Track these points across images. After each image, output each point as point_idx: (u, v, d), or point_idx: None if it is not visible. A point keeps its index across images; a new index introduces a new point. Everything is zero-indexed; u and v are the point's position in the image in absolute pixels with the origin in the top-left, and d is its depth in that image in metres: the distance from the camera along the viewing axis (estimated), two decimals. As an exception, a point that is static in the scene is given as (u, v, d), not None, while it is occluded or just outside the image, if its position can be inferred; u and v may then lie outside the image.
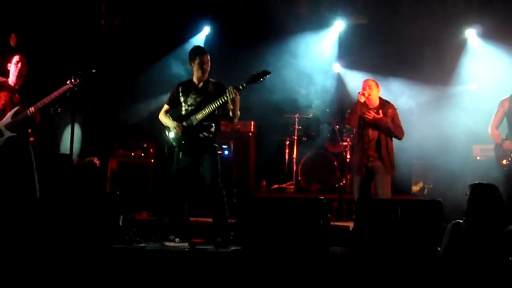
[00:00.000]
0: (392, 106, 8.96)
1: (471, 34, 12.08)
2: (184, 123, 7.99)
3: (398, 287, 6.19)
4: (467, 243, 5.86)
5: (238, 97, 7.85)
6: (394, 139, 8.92)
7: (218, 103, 7.79)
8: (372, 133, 8.82)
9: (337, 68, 13.10)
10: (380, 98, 8.98)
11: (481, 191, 6.00)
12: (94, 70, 8.19)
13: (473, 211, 5.95)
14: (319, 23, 12.48)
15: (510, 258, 6.03)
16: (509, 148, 8.31)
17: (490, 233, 5.84)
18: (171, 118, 8.15)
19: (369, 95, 8.82)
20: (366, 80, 9.05)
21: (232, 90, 7.73)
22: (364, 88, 8.87)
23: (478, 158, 10.71)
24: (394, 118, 8.86)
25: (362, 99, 8.77)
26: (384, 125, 8.71)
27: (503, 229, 5.88)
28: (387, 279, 6.26)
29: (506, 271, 5.76)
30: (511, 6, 11.28)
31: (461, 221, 6.00)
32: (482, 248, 5.82)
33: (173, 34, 12.33)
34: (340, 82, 13.07)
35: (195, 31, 12.61)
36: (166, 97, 8.39)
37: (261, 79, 7.84)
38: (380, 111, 8.78)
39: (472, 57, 11.99)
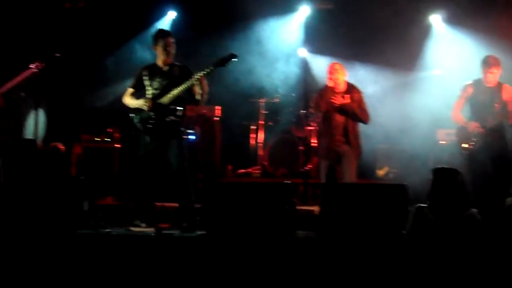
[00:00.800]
0: (358, 90, 8.97)
1: (436, 20, 12.15)
2: None
3: (363, 270, 6.23)
4: (429, 227, 5.92)
5: (205, 80, 7.83)
6: (360, 123, 8.93)
7: (184, 86, 7.75)
8: (339, 118, 8.81)
9: (303, 53, 13.12)
10: (346, 82, 8.97)
11: (443, 175, 6.08)
12: (58, 54, 8.11)
13: (435, 195, 6.02)
14: (285, 8, 12.47)
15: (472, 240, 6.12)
16: (473, 129, 8.38)
17: (452, 216, 5.91)
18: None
19: (336, 79, 8.83)
20: (332, 63, 9.06)
21: (197, 75, 7.70)
22: (330, 72, 8.89)
23: (443, 142, 10.80)
24: (360, 103, 8.88)
25: (330, 84, 8.84)
26: (350, 110, 8.72)
27: (464, 213, 5.95)
28: (353, 262, 6.30)
29: (466, 255, 5.84)
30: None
31: (424, 205, 6.06)
32: (444, 232, 5.88)
33: (138, 18, 12.22)
34: (305, 67, 13.09)
35: (160, 15, 12.52)
36: (131, 81, 8.32)
37: (228, 63, 7.80)
38: (347, 95, 8.78)
39: (437, 42, 12.06)
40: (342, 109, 8.78)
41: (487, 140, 8.32)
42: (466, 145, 8.50)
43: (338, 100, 8.70)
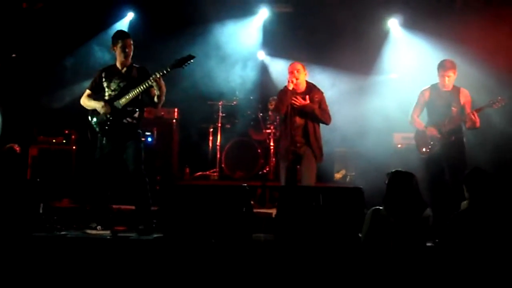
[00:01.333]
0: (319, 91, 8.83)
1: (393, 24, 12.26)
2: None
3: (320, 273, 6.27)
4: (386, 229, 5.97)
5: (163, 82, 7.81)
6: (321, 125, 8.81)
7: (141, 88, 7.72)
8: (299, 119, 8.63)
9: (262, 55, 13.14)
10: (307, 82, 8.83)
11: (398, 179, 6.13)
12: (14, 55, 8.02)
13: (390, 198, 6.07)
14: (244, 10, 12.46)
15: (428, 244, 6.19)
16: (431, 133, 8.47)
17: (407, 219, 5.97)
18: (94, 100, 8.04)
19: (297, 79, 8.62)
20: (294, 63, 8.82)
21: (155, 76, 7.67)
22: (291, 72, 8.66)
23: (399, 146, 10.91)
24: (321, 103, 8.76)
25: (291, 87, 8.57)
26: (311, 111, 8.61)
27: (420, 215, 6.02)
28: (309, 265, 6.33)
29: (423, 256, 5.90)
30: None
31: (380, 207, 6.11)
32: (401, 234, 5.94)
33: (97, 19, 12.13)
34: (264, 69, 13.12)
35: (118, 16, 12.43)
36: (89, 83, 8.25)
37: (186, 64, 7.75)
38: (307, 96, 8.65)
39: (394, 46, 12.17)
40: (303, 111, 8.61)
41: (444, 144, 8.40)
42: (424, 149, 8.57)
43: (298, 102, 8.59)
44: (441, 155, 8.42)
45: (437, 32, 11.23)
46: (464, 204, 6.49)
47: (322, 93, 8.84)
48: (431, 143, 8.47)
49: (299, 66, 8.73)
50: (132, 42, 7.99)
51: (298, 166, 8.69)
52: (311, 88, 8.79)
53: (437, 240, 6.57)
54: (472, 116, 8.24)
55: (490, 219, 6.00)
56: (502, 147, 10.60)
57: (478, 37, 10.69)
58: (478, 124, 8.31)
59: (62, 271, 6.50)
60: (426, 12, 11.59)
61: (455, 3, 11.57)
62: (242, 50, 12.51)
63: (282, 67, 12.40)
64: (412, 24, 11.90)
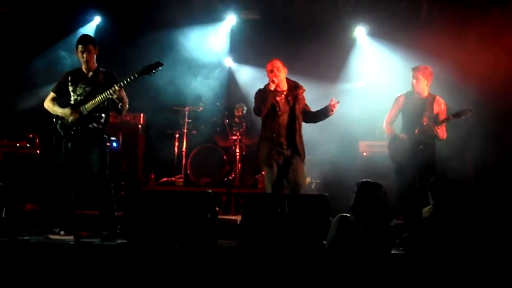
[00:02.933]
0: (301, 87, 8.38)
1: (360, 33, 12.34)
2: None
3: (284, 280, 6.26)
4: (353, 236, 6.00)
5: (124, 93, 7.78)
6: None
7: (107, 93, 7.66)
8: (283, 119, 8.18)
9: (229, 62, 13.16)
10: (287, 80, 8.37)
11: (366, 190, 6.16)
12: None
13: (358, 207, 6.10)
14: (211, 16, 12.46)
15: (392, 251, 6.22)
16: (402, 140, 8.49)
17: (374, 228, 6.00)
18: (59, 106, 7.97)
19: (278, 78, 8.15)
20: (272, 61, 8.29)
21: (114, 89, 7.62)
22: (271, 71, 8.18)
23: (364, 154, 10.98)
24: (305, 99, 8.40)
25: (273, 87, 8.09)
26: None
27: (387, 225, 6.06)
28: (274, 272, 6.32)
29: (388, 263, 5.93)
30: (399, 6, 11.57)
31: (348, 215, 6.13)
32: (367, 242, 5.97)
33: (64, 23, 12.04)
34: (231, 76, 13.15)
35: (85, 20, 12.35)
36: (54, 85, 8.17)
37: (154, 71, 7.71)
38: (289, 96, 8.23)
39: (360, 55, 12.26)
40: (290, 111, 8.18)
41: (414, 153, 8.44)
42: (395, 158, 8.60)
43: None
44: (412, 164, 8.45)
45: (403, 41, 11.35)
46: (426, 210, 6.56)
47: (304, 89, 8.42)
48: (402, 151, 8.51)
49: (278, 63, 8.26)
50: (93, 47, 7.90)
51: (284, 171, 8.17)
52: (293, 86, 8.35)
53: (401, 248, 6.60)
54: (438, 130, 8.31)
55: (454, 226, 6.06)
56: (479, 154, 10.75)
57: (444, 46, 10.81)
58: (442, 136, 8.38)
59: (24, 276, 6.42)
60: (393, 21, 11.70)
61: (420, 12, 11.67)
62: (209, 57, 12.52)
63: (249, 74, 12.49)
64: (379, 33, 12.00)
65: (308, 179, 11.51)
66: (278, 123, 8.16)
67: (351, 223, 6.10)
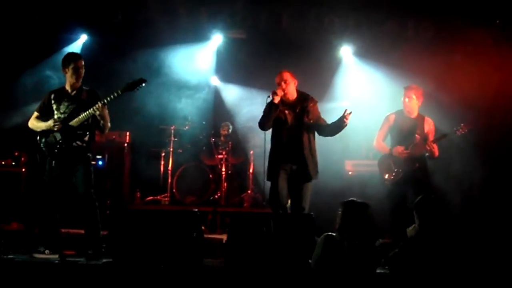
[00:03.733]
0: (312, 99, 8.17)
1: (346, 52, 12.38)
2: (57, 133, 7.81)
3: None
4: (339, 255, 5.99)
5: (106, 111, 7.76)
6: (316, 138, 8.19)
7: (91, 111, 7.65)
8: (289, 133, 7.95)
9: (215, 81, 13.17)
10: (298, 91, 8.16)
11: (353, 209, 6.16)
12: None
13: (344, 227, 6.10)
14: (198, 35, 12.46)
15: (378, 270, 6.22)
16: (397, 152, 8.50)
17: (360, 247, 6.00)
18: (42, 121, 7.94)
19: (285, 91, 7.96)
20: (281, 73, 8.11)
21: (98, 106, 7.61)
22: (279, 84, 7.99)
23: (350, 173, 10.98)
24: (317, 111, 8.16)
25: (277, 100, 7.86)
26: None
27: (373, 244, 6.06)
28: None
29: (373, 283, 5.94)
30: (385, 26, 11.63)
31: (333, 234, 6.13)
32: (353, 261, 5.97)
33: (50, 41, 12.03)
34: (217, 95, 13.16)
35: (71, 39, 12.34)
36: (38, 105, 8.15)
37: (137, 88, 7.73)
38: (298, 108, 8.01)
39: (346, 74, 12.30)
40: (296, 123, 7.95)
41: (408, 172, 8.46)
42: (387, 176, 8.61)
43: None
44: (405, 182, 8.47)
45: (388, 61, 11.41)
46: (410, 229, 6.56)
47: (315, 101, 8.21)
48: (395, 170, 8.52)
49: (287, 76, 8.06)
50: (83, 64, 7.93)
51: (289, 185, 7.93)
52: (302, 98, 8.13)
53: (386, 267, 6.60)
54: (429, 147, 8.34)
55: (439, 245, 6.07)
56: (467, 173, 10.77)
57: (429, 66, 10.86)
58: (436, 154, 8.41)
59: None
60: (378, 41, 11.75)
61: (406, 32, 11.73)
62: (196, 75, 12.53)
63: (235, 93, 12.51)
64: (364, 52, 12.06)
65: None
66: (285, 135, 7.97)
67: (337, 242, 6.10)
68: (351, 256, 6.02)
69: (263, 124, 7.97)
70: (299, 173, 7.93)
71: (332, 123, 8.04)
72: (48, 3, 11.72)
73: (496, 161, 10.78)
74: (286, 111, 8.03)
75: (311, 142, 8.05)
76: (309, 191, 8.00)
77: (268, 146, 8.09)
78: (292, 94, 8.09)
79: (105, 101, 7.63)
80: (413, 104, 8.59)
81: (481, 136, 10.24)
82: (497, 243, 8.01)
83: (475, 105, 10.60)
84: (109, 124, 7.88)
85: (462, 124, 8.42)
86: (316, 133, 8.20)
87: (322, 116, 8.21)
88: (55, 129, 7.76)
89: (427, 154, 8.49)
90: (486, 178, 10.76)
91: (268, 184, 8.12)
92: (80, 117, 7.70)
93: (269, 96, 7.95)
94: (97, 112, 7.63)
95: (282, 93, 7.92)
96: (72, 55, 8.06)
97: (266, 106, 8.01)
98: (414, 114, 8.64)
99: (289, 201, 8.04)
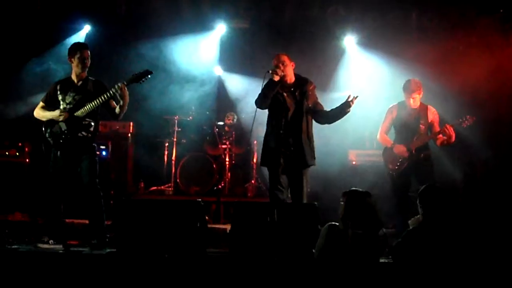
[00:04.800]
0: (312, 82, 7.94)
1: (349, 42, 12.36)
2: (63, 123, 7.81)
3: (274, 288, 6.27)
4: (342, 245, 6.00)
5: (127, 91, 7.73)
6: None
7: (103, 98, 7.64)
8: (289, 117, 7.73)
9: (218, 71, 13.16)
10: (296, 75, 7.89)
11: (356, 198, 6.17)
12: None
13: (348, 216, 6.11)
14: (201, 25, 12.47)
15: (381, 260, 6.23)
16: (399, 151, 8.52)
17: (363, 236, 6.01)
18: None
19: (284, 73, 7.68)
20: (279, 55, 7.82)
21: (120, 85, 7.60)
22: (276, 66, 7.68)
23: (354, 163, 10.98)
24: (315, 97, 7.94)
25: (277, 78, 7.57)
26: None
27: (376, 233, 6.07)
28: (264, 281, 6.32)
29: (376, 272, 5.95)
30: (389, 16, 11.62)
31: (337, 223, 6.14)
32: (356, 250, 5.98)
33: (54, 32, 12.02)
34: (220, 85, 13.16)
35: (75, 29, 12.33)
36: (43, 95, 8.16)
37: (143, 79, 7.74)
38: (297, 92, 7.76)
39: (350, 64, 12.29)
40: (296, 106, 7.72)
41: (413, 162, 8.46)
42: (392, 166, 8.61)
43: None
44: (409, 172, 8.49)
45: (392, 51, 11.40)
46: (413, 220, 6.56)
47: (314, 85, 7.95)
48: (400, 160, 8.52)
49: (284, 58, 7.78)
50: (89, 54, 7.93)
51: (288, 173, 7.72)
52: (301, 81, 7.88)
53: (390, 257, 6.61)
54: (447, 130, 8.23)
55: (443, 235, 6.07)
56: (472, 163, 10.78)
57: (433, 56, 10.85)
58: (453, 139, 8.32)
59: (13, 285, 6.39)
60: (382, 31, 11.74)
61: (410, 22, 11.73)
62: (199, 65, 12.54)
63: (239, 83, 12.50)
64: (368, 42, 12.05)
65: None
66: (284, 120, 7.71)
67: (340, 231, 6.11)
68: (355, 245, 6.03)
69: (260, 102, 7.70)
70: (296, 159, 7.69)
71: (333, 109, 7.82)
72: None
73: (501, 152, 10.77)
74: (285, 94, 7.79)
75: (309, 127, 7.81)
76: (307, 177, 7.79)
77: (260, 128, 7.98)
78: (291, 77, 7.82)
79: (117, 89, 7.61)
80: (418, 100, 8.57)
81: (487, 127, 10.23)
82: (501, 233, 8.01)
83: (479, 96, 10.58)
84: (126, 108, 7.86)
85: (467, 116, 8.36)
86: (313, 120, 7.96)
87: (324, 104, 8.01)
88: (61, 119, 7.77)
89: (439, 142, 8.44)
90: (487, 168, 10.76)
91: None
92: (86, 107, 7.70)
93: (268, 71, 7.63)
94: (119, 92, 7.61)
95: (282, 74, 7.66)
96: (78, 44, 8.06)
97: (264, 84, 7.70)
98: (417, 104, 8.61)
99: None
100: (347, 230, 6.07)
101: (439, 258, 5.96)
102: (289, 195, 7.77)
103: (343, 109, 7.67)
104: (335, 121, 7.93)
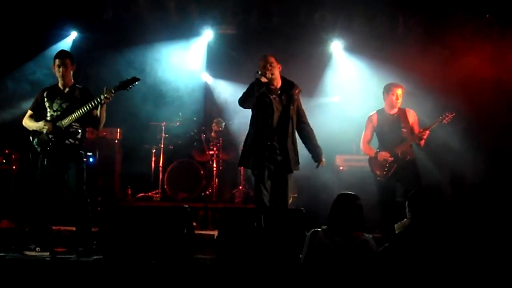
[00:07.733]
0: (298, 86, 7.81)
1: (336, 47, 12.39)
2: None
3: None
4: (324, 251, 6.00)
5: (105, 108, 7.75)
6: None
7: (84, 109, 7.63)
8: (274, 121, 7.61)
9: (206, 77, 13.16)
10: (282, 78, 7.78)
11: (343, 200, 6.17)
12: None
13: (333, 218, 6.11)
14: (189, 31, 12.48)
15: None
16: (383, 158, 8.55)
17: (346, 241, 6.01)
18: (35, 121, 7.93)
19: (272, 74, 7.56)
20: (266, 56, 7.71)
21: (108, 90, 7.58)
22: (264, 67, 7.56)
23: (341, 168, 10.99)
24: (300, 103, 7.87)
25: (265, 80, 7.43)
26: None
27: (359, 238, 6.07)
28: (251, 286, 6.33)
29: (360, 277, 5.95)
30: (375, 21, 11.65)
31: (319, 229, 6.14)
32: (339, 256, 5.97)
33: (40, 38, 11.99)
34: (208, 91, 13.16)
35: (62, 35, 12.30)
36: (31, 102, 8.13)
37: (131, 86, 7.72)
38: (283, 95, 7.67)
39: (336, 69, 12.32)
40: (283, 110, 7.60)
41: (400, 165, 8.51)
42: (379, 172, 8.64)
43: None
44: (397, 177, 8.57)
45: (379, 56, 11.44)
46: (399, 225, 6.57)
47: (300, 89, 7.84)
48: (387, 165, 8.57)
49: (272, 59, 7.65)
50: (69, 62, 7.87)
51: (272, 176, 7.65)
52: (288, 84, 7.78)
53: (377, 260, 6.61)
54: (422, 134, 8.43)
55: (432, 239, 6.08)
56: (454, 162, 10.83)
57: (419, 61, 10.90)
58: (422, 145, 8.52)
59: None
60: (368, 36, 11.78)
61: (396, 27, 11.76)
62: (187, 71, 12.55)
63: (226, 89, 12.50)
64: (355, 47, 12.08)
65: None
66: (270, 124, 7.59)
67: (323, 238, 6.10)
68: (339, 251, 6.02)
69: (244, 101, 7.55)
70: (281, 165, 7.64)
71: (312, 149, 7.94)
72: (38, -1, 11.71)
73: (489, 154, 10.81)
74: (272, 96, 7.67)
75: (294, 131, 7.74)
76: (291, 182, 7.80)
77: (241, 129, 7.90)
78: (277, 79, 7.72)
79: (106, 95, 7.58)
80: (400, 101, 8.64)
81: (469, 129, 10.28)
82: (492, 236, 8.03)
83: (464, 99, 10.62)
84: (103, 121, 7.86)
85: (447, 112, 8.50)
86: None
87: (311, 109, 8.14)
88: (44, 131, 7.75)
89: (422, 143, 8.54)
90: (475, 170, 10.80)
91: None
92: (74, 115, 7.67)
93: (257, 72, 7.50)
94: (108, 99, 7.59)
95: (271, 75, 7.54)
96: (57, 52, 8.04)
97: (250, 84, 7.55)
98: (395, 110, 8.67)
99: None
100: (331, 236, 6.06)
101: (427, 262, 5.97)
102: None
103: (314, 158, 7.93)
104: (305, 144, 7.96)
